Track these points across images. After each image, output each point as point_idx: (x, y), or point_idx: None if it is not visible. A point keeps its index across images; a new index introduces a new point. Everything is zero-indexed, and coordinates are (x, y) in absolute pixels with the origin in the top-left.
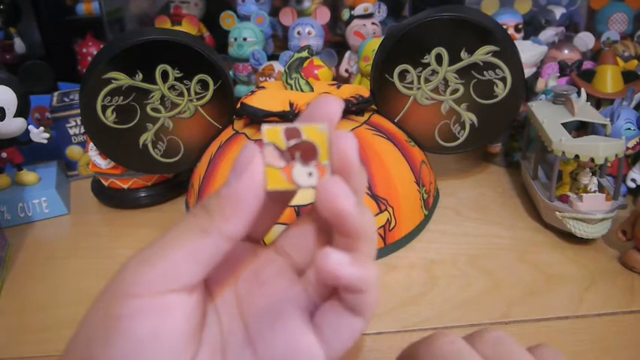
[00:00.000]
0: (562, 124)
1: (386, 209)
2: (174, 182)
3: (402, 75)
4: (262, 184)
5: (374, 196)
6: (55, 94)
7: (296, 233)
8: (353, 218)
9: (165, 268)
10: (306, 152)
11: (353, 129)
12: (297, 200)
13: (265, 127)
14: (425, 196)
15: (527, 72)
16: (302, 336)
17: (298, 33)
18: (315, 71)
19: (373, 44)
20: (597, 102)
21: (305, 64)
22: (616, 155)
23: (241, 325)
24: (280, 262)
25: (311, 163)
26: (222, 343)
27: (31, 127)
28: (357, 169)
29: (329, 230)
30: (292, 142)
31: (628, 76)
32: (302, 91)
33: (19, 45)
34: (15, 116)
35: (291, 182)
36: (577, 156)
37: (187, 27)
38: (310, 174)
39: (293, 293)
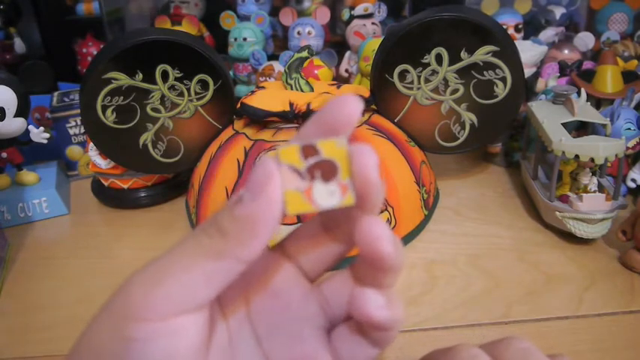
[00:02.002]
0: (562, 124)
1: (386, 209)
2: (174, 182)
3: (402, 75)
4: (281, 206)
5: None
6: (55, 94)
7: (303, 237)
8: (393, 260)
9: (178, 291)
10: (325, 171)
11: None
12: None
13: (281, 148)
14: (425, 196)
15: (527, 72)
16: (318, 355)
17: (298, 33)
18: (315, 71)
19: (373, 44)
20: (597, 102)
21: (305, 64)
22: (616, 155)
23: (251, 333)
24: (291, 270)
25: (332, 181)
26: (231, 346)
27: (31, 127)
28: (378, 187)
29: (337, 235)
30: (310, 160)
31: (628, 76)
32: (302, 91)
33: (19, 45)
34: (15, 116)
35: (312, 203)
36: (577, 156)
37: (187, 27)
38: (332, 193)
39: (309, 310)
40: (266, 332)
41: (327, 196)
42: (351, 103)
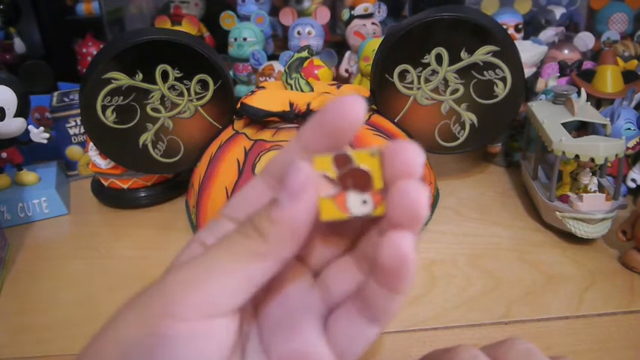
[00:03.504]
0: (562, 124)
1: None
2: (174, 182)
3: (402, 75)
4: (315, 213)
5: None
6: (55, 94)
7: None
8: (411, 275)
9: (217, 292)
10: (358, 180)
11: None
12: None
13: (315, 157)
14: None
15: (527, 72)
16: (315, 349)
17: (298, 33)
18: (315, 71)
19: (373, 44)
20: (597, 102)
21: (305, 64)
22: (616, 155)
23: (256, 332)
24: (295, 265)
25: (365, 190)
26: (242, 350)
27: (31, 127)
28: (423, 221)
29: (341, 231)
30: (343, 170)
31: (628, 76)
32: (302, 91)
33: (19, 45)
34: (15, 116)
35: (346, 212)
36: (577, 156)
37: (187, 27)
38: (364, 202)
39: (310, 300)
40: (267, 328)
41: (360, 204)
42: (355, 105)
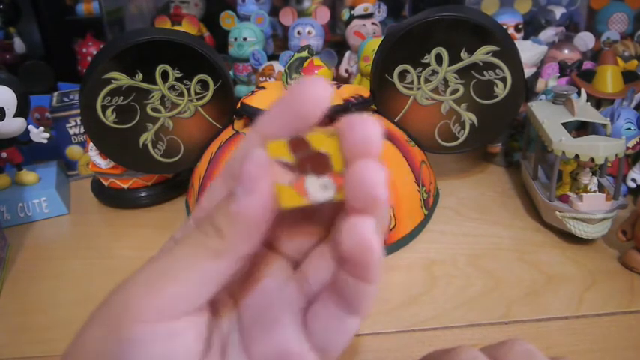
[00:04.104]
0: (562, 124)
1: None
2: (174, 182)
3: (402, 75)
4: (274, 201)
5: None
6: (55, 94)
7: (281, 222)
8: (375, 261)
9: (177, 292)
10: (316, 164)
11: None
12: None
13: (268, 143)
14: (425, 196)
15: (527, 72)
16: (294, 344)
17: (298, 33)
18: (315, 71)
19: (373, 44)
20: (597, 102)
21: (305, 64)
22: (616, 155)
23: (237, 327)
24: (273, 257)
25: (324, 174)
26: (222, 345)
27: (31, 127)
28: (384, 207)
29: (315, 219)
30: (300, 154)
31: (628, 76)
32: None
33: (19, 45)
34: (15, 116)
35: (305, 198)
36: (577, 156)
37: (187, 27)
38: (325, 186)
39: (288, 293)
40: (246, 323)
41: (320, 189)
42: (315, 88)
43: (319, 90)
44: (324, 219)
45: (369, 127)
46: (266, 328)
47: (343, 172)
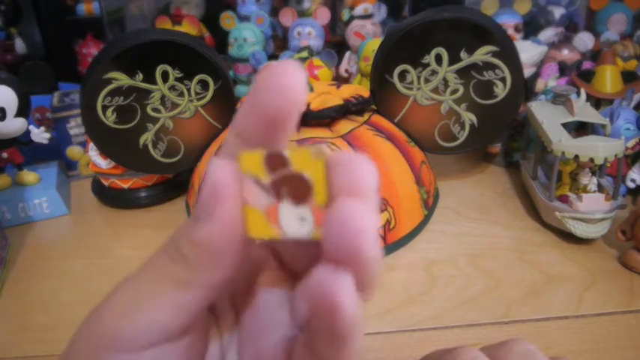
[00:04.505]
0: (562, 124)
1: (386, 209)
2: (174, 182)
3: (402, 75)
4: (240, 228)
5: None
6: (56, 94)
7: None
8: (349, 333)
9: (146, 323)
10: (295, 189)
11: (353, 129)
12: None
13: (242, 154)
14: (425, 196)
15: (527, 72)
16: None
17: (298, 33)
18: (315, 71)
19: (373, 44)
20: (597, 102)
21: (305, 64)
22: (615, 155)
23: (236, 343)
24: (276, 272)
25: (303, 203)
26: (222, 357)
27: (31, 127)
28: (371, 263)
29: None
30: (277, 174)
31: (627, 76)
32: None
33: (19, 45)
34: (15, 116)
35: (277, 230)
36: (577, 156)
37: (187, 27)
38: (302, 219)
39: (280, 317)
40: (242, 343)
41: (296, 222)
42: (288, 74)
43: (290, 73)
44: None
45: (365, 167)
46: (255, 351)
47: (326, 205)
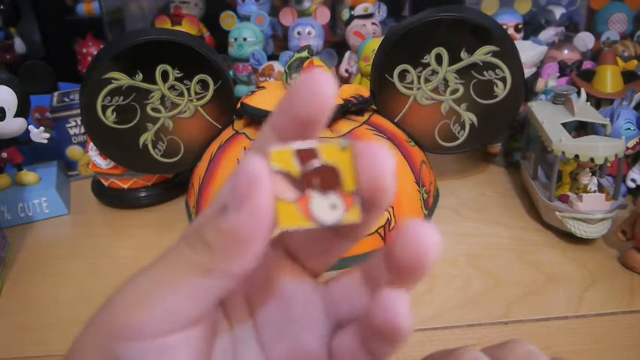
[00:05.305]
0: (562, 124)
1: (386, 209)
2: (174, 182)
3: (402, 75)
4: (271, 219)
5: None
6: (55, 94)
7: (303, 233)
8: (404, 335)
9: (164, 310)
10: (325, 179)
11: (353, 129)
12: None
13: (273, 150)
14: (425, 196)
15: (527, 72)
16: None
17: (298, 33)
18: None
19: (373, 44)
20: (597, 102)
21: (305, 64)
22: (616, 155)
23: (255, 339)
24: (293, 268)
25: (333, 192)
26: (235, 353)
27: (31, 127)
28: (390, 197)
29: (339, 230)
30: (307, 166)
31: (628, 76)
32: None
33: (19, 45)
34: (15, 116)
35: (310, 218)
36: (577, 156)
37: (187, 27)
38: (333, 206)
39: (314, 316)
40: (269, 338)
41: (328, 209)
42: (321, 82)
43: (326, 83)
44: (353, 234)
45: (385, 153)
46: (290, 347)
47: (355, 191)
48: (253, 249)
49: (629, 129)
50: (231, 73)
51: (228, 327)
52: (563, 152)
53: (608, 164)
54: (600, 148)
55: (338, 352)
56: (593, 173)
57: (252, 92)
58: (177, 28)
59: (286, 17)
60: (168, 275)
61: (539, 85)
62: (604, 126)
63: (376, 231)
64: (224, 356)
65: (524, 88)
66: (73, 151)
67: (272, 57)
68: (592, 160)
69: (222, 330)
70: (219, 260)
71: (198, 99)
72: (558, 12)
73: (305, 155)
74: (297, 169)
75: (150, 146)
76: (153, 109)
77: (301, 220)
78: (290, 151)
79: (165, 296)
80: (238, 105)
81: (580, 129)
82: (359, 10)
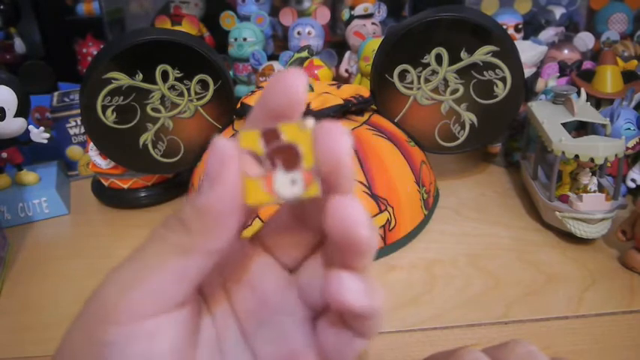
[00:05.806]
0: (562, 124)
1: (386, 209)
2: (174, 182)
3: (402, 75)
4: (239, 194)
5: (374, 196)
6: (55, 94)
7: (276, 227)
8: (367, 243)
9: (149, 292)
10: (287, 156)
11: (353, 129)
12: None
13: (241, 132)
14: (425, 196)
15: (527, 72)
16: (303, 354)
17: (298, 33)
18: (315, 71)
19: (373, 44)
20: (597, 102)
21: (305, 64)
22: (616, 155)
23: (237, 328)
24: (267, 261)
25: (294, 169)
26: (219, 341)
27: (31, 127)
28: (349, 173)
29: (309, 223)
30: (271, 146)
31: (628, 76)
32: None
33: (19, 45)
34: (15, 116)
35: (272, 194)
36: (577, 156)
37: (187, 27)
38: (293, 182)
39: (291, 303)
40: (251, 328)
41: (289, 185)
42: (292, 79)
43: (297, 83)
44: (317, 223)
45: (341, 134)
46: (273, 335)
47: (314, 168)
48: (226, 223)
49: (629, 129)
50: (231, 73)
51: (211, 318)
52: (563, 152)
53: (608, 164)
54: (600, 148)
55: (322, 336)
56: (593, 173)
57: (252, 92)
58: (177, 28)
59: (286, 17)
60: (150, 259)
61: (539, 85)
62: (604, 126)
63: None
64: (209, 346)
65: (524, 88)
66: (73, 151)
67: (272, 57)
68: (592, 160)
69: (205, 322)
70: (196, 238)
71: (198, 99)
72: (558, 12)
73: (270, 136)
74: (262, 148)
75: (150, 146)
76: (153, 109)
77: (265, 195)
78: (256, 133)
79: (149, 279)
80: (238, 105)
81: (580, 129)
82: (359, 10)
